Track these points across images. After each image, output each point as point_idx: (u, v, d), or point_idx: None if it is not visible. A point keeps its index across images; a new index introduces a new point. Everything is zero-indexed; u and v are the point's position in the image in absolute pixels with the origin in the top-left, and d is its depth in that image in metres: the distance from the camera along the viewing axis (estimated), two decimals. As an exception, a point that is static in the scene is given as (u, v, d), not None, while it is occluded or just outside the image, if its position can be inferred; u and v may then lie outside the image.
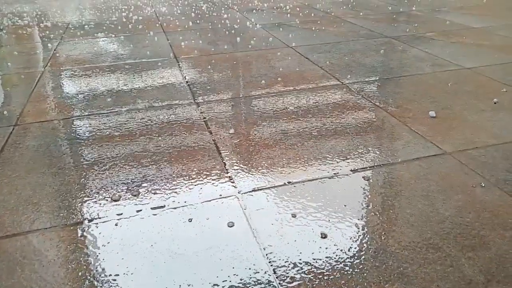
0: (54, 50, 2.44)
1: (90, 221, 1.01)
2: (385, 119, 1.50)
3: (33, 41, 2.69)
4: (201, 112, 1.59)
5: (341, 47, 2.36)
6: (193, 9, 3.48)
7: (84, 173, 1.20)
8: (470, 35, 2.55)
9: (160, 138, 1.39)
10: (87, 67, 2.12)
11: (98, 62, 2.19)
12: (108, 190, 1.12)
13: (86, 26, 2.95)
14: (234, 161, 1.25)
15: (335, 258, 0.88)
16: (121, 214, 1.03)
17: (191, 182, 1.15)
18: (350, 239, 0.93)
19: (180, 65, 2.11)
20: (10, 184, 1.16)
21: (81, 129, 1.47)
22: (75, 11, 3.52)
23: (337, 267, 0.86)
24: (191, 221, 1.00)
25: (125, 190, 1.12)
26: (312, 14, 3.20)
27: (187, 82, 1.89)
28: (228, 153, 1.30)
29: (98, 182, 1.16)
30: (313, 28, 2.78)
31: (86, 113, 1.60)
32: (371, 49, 2.32)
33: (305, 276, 0.84)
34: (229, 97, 1.73)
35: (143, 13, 3.37)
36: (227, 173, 1.19)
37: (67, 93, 1.80)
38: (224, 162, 1.24)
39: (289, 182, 1.14)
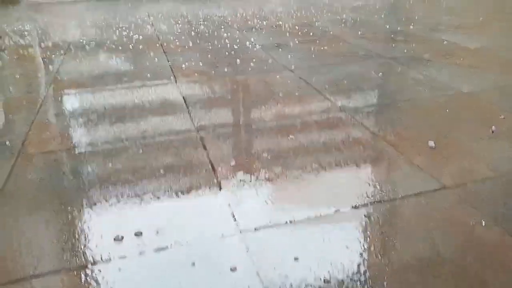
0: (56, 72, 2.45)
1: (93, 264, 1.01)
2: (384, 149, 1.52)
3: (35, 63, 2.71)
4: (202, 142, 1.60)
5: (340, 69, 2.39)
6: (193, 28, 3.52)
7: (86, 210, 1.21)
8: (467, 56, 2.58)
9: (162, 171, 1.41)
10: (89, 91, 2.13)
11: (99, 86, 2.21)
12: (111, 230, 1.13)
13: (87, 47, 2.98)
14: (236, 196, 1.26)
15: (337, 304, 0.89)
16: (125, 257, 1.03)
17: (194, 220, 1.16)
18: (352, 285, 0.94)
19: (181, 90, 2.13)
20: (13, 223, 1.17)
21: (83, 161, 1.48)
22: (76, 30, 3.55)
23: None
24: (194, 264, 1.01)
25: (128, 230, 1.12)
26: (311, 33, 3.23)
27: (188, 108, 1.90)
28: (229, 187, 1.31)
29: (100, 220, 1.17)
30: (312, 49, 2.81)
31: (89, 143, 1.61)
32: (370, 71, 2.35)
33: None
34: (230, 125, 1.74)
35: (144, 32, 3.39)
36: (229, 208, 1.20)
37: (69, 120, 1.82)
38: (225, 197, 1.25)
39: (291, 222, 1.15)
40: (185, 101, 1.99)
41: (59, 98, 2.08)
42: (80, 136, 1.67)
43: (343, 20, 3.61)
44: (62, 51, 2.90)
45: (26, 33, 3.49)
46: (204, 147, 1.55)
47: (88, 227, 1.15)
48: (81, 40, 3.18)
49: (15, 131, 1.73)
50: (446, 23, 3.43)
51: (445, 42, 2.88)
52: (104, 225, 1.16)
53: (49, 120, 1.83)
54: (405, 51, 2.70)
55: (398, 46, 2.82)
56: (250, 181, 1.34)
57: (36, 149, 1.57)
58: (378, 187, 1.30)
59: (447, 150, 1.50)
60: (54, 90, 2.19)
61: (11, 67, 2.61)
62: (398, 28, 3.28)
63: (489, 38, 2.95)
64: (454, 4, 4.22)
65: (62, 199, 1.27)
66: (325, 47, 2.84)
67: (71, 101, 2.03)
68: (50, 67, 2.56)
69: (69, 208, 1.23)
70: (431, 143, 1.53)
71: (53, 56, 2.80)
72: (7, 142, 1.63)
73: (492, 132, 1.62)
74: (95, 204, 1.24)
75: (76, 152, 1.55)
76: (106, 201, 1.25)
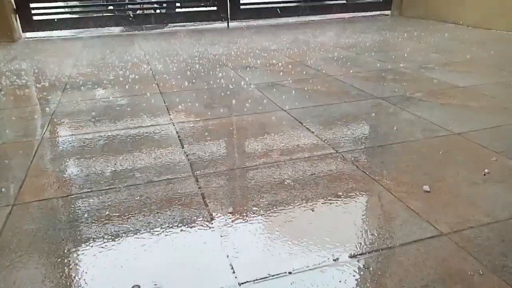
0: (52, 114, 2.47)
1: (90, 323, 0.99)
2: (380, 194, 1.53)
3: (31, 104, 2.73)
4: (199, 187, 1.60)
5: (333, 110, 2.43)
6: (189, 67, 3.58)
7: (84, 262, 1.20)
8: (457, 95, 2.65)
9: (159, 219, 1.40)
10: (85, 135, 2.15)
11: (96, 129, 2.22)
12: (108, 284, 1.11)
13: (83, 87, 3.01)
14: (234, 245, 1.26)
15: None
16: (122, 314, 1.02)
17: (192, 272, 1.15)
18: None
19: (178, 133, 2.15)
20: (8, 277, 1.15)
21: (80, 209, 1.48)
22: (73, 69, 3.59)
23: None
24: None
25: (125, 283, 1.11)
26: (304, 72, 3.31)
27: (185, 152, 1.92)
28: (227, 237, 1.30)
29: (96, 273, 1.16)
30: (306, 88, 2.87)
31: (85, 190, 1.61)
32: (363, 112, 2.40)
33: None
34: (226, 169, 1.75)
35: (140, 71, 3.45)
36: (227, 258, 1.19)
37: (65, 166, 1.82)
38: (224, 246, 1.25)
39: (290, 272, 1.15)
40: (181, 143, 2.01)
41: (56, 141, 2.09)
42: (77, 181, 1.67)
43: (335, 59, 3.71)
44: (59, 92, 2.93)
45: (23, 72, 3.52)
46: (203, 196, 1.56)
47: (85, 281, 1.13)
48: (77, 80, 3.22)
49: (10, 178, 1.72)
50: (435, 61, 3.53)
51: (435, 80, 2.96)
52: (101, 278, 1.14)
53: (45, 165, 1.83)
54: (396, 90, 2.77)
55: (389, 85, 2.89)
56: (248, 230, 1.34)
57: (33, 197, 1.57)
58: (375, 234, 1.30)
59: (442, 195, 1.51)
60: (50, 132, 2.20)
61: (8, 109, 2.63)
62: (389, 67, 3.37)
63: (478, 77, 3.04)
64: (441, 42, 4.36)
65: (58, 251, 1.25)
66: (318, 87, 2.90)
67: (68, 145, 2.04)
68: (47, 108, 2.58)
69: (65, 260, 1.21)
70: (426, 187, 1.56)
71: (49, 97, 2.82)
72: (3, 189, 1.62)
73: (484, 175, 1.65)
74: (93, 255, 1.23)
75: (73, 199, 1.54)
76: (103, 252, 1.24)
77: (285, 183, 1.62)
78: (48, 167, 1.81)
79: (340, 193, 1.54)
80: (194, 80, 3.14)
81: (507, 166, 1.72)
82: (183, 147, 1.97)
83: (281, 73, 3.29)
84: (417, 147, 1.93)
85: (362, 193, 1.55)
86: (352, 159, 1.82)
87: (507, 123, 2.17)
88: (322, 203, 1.48)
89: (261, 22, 6.19)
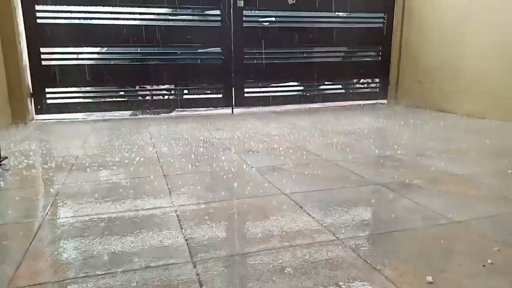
0: (56, 195, 2.51)
1: None
2: (383, 285, 1.50)
3: (36, 185, 2.78)
4: (197, 274, 1.57)
5: (333, 195, 2.46)
6: (193, 150, 3.69)
7: None
8: (456, 182, 2.69)
9: (155, 308, 1.36)
10: (87, 217, 2.16)
11: (97, 211, 2.24)
12: None
13: (88, 169, 3.08)
14: None
15: None
16: None
17: None
18: None
19: (179, 216, 2.16)
20: None
21: (74, 296, 1.44)
22: (80, 150, 3.70)
23: None
24: None
25: None
26: (304, 157, 3.40)
27: (184, 236, 1.91)
28: (225, 329, 1.25)
29: None
30: (306, 173, 2.93)
31: (82, 275, 1.58)
32: (363, 198, 2.42)
33: None
34: (226, 255, 1.73)
35: (145, 154, 3.55)
36: None
37: (64, 248, 1.80)
38: None
39: None
40: (181, 226, 2.00)
41: (57, 223, 2.10)
42: (74, 265, 1.64)
43: (335, 145, 3.82)
44: (64, 172, 2.99)
45: (31, 153, 3.63)
46: (200, 284, 1.52)
47: None
48: (84, 161, 3.30)
49: (7, 260, 1.70)
50: (432, 148, 3.64)
51: (432, 168, 3.03)
52: None
53: (44, 247, 1.82)
54: (395, 176, 2.82)
55: (388, 172, 2.94)
56: (246, 322, 1.29)
57: (27, 281, 1.54)
58: (379, 329, 1.25)
59: (445, 287, 1.48)
60: (52, 214, 2.21)
61: (13, 189, 2.67)
62: (387, 153, 3.47)
63: (475, 165, 3.11)
64: (437, 130, 4.52)
65: None
66: (318, 171, 2.96)
67: (69, 226, 2.04)
68: (51, 189, 2.62)
69: None
70: (429, 278, 1.52)
71: (55, 177, 2.88)
72: (-2, 273, 1.60)
73: (483, 266, 1.62)
74: None
75: (68, 284, 1.51)
76: None
77: (285, 271, 1.59)
78: (46, 250, 1.79)
79: (342, 283, 1.51)
80: (197, 163, 3.22)
81: (510, 257, 1.69)
82: (182, 231, 1.97)
83: (282, 157, 3.38)
84: (417, 235, 1.92)
85: (364, 283, 1.51)
86: (353, 246, 1.80)
87: (507, 212, 2.18)
88: (322, 294, 1.44)
89: (264, 108, 6.49)
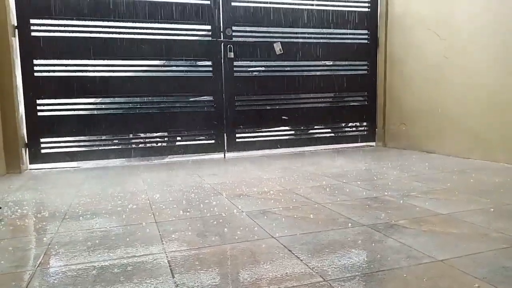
0: (49, 244, 2.54)
1: None
2: (366, 324, 1.55)
3: (29, 234, 2.81)
4: (187, 319, 1.61)
5: (321, 238, 2.53)
6: (185, 196, 3.76)
7: None
8: (439, 222, 2.78)
9: None
10: (79, 265, 2.19)
11: (90, 259, 2.28)
12: None
13: (81, 217, 3.13)
14: None
15: None
16: None
17: None
18: None
19: (170, 262, 2.21)
20: None
21: None
22: (73, 199, 3.75)
23: None
24: None
25: None
26: (294, 200, 3.48)
27: (175, 282, 1.95)
28: None
29: None
30: (295, 216, 3.00)
31: (73, 323, 1.61)
32: (350, 239, 2.49)
33: None
34: (216, 299, 1.78)
35: (138, 201, 3.61)
36: None
37: (56, 297, 1.84)
38: None
39: None
40: (172, 273, 2.05)
41: (49, 272, 2.13)
42: (65, 314, 1.67)
43: (324, 187, 3.92)
44: (57, 222, 3.04)
45: (25, 202, 3.67)
46: (189, 326, 1.56)
47: None
48: (77, 210, 3.35)
49: (0, 310, 1.73)
50: (417, 189, 3.74)
51: (417, 208, 3.12)
52: None
53: (36, 297, 1.85)
54: (381, 217, 2.90)
55: (374, 213, 3.03)
56: None
57: (19, 331, 1.56)
58: None
59: (427, 324, 1.53)
60: (45, 263, 2.25)
61: (6, 239, 2.70)
62: (374, 195, 3.56)
63: (458, 204, 3.21)
64: (423, 171, 4.65)
65: None
66: (307, 214, 3.04)
67: (61, 275, 2.07)
68: (44, 238, 2.66)
69: None
70: (411, 316, 1.58)
71: (48, 227, 2.92)
72: (-10, 323, 1.62)
73: (469, 302, 1.68)
74: None
75: (59, 333, 1.54)
76: None
77: (273, 313, 1.64)
78: (38, 299, 1.82)
79: (327, 324, 1.55)
80: (189, 209, 3.29)
81: (489, 294, 1.76)
82: (173, 277, 2.01)
83: (272, 201, 3.46)
84: (402, 274, 1.98)
85: (348, 323, 1.56)
86: (340, 287, 1.85)
87: (487, 250, 2.25)
88: (308, 334, 1.48)
89: (255, 152, 6.62)
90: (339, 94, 7.07)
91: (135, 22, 5.82)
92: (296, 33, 6.59)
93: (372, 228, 2.68)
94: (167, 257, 2.28)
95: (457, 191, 3.63)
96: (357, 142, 7.18)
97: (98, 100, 6.11)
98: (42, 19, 5.48)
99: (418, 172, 4.59)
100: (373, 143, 7.21)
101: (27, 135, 5.52)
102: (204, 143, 6.40)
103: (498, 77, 4.95)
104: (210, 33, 6.16)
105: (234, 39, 6.24)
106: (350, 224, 2.78)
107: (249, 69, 6.62)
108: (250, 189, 3.98)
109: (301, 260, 2.18)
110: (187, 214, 3.15)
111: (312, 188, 3.92)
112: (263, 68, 6.68)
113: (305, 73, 6.75)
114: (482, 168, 4.72)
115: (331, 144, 7.05)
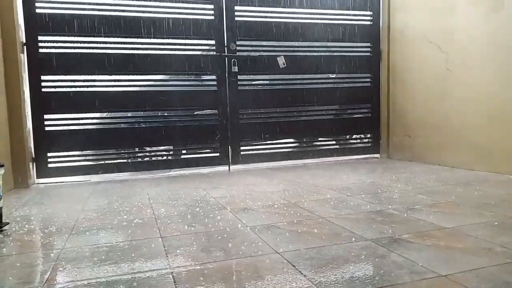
0: (56, 260, 2.58)
1: None
2: None
3: (37, 250, 2.85)
4: (192, 336, 1.63)
5: (324, 253, 2.54)
6: (189, 210, 3.79)
7: None
8: (443, 236, 2.78)
9: None
10: (85, 281, 2.22)
11: (96, 274, 2.31)
12: None
13: (88, 232, 3.17)
14: None
15: None
16: None
17: None
18: None
19: (175, 277, 2.23)
20: None
21: None
22: (80, 214, 3.80)
23: None
24: None
25: None
26: (298, 214, 3.50)
27: (180, 298, 1.98)
28: None
29: None
30: (299, 230, 3.02)
31: None
32: (353, 254, 2.50)
33: None
34: (220, 316, 1.79)
35: (143, 215, 3.65)
36: None
37: (63, 314, 1.87)
38: None
39: None
40: (177, 290, 2.08)
41: (56, 288, 2.16)
42: (72, 331, 1.70)
43: (328, 200, 3.93)
44: (64, 237, 3.07)
45: (32, 217, 3.72)
46: None
47: None
48: (83, 225, 3.39)
49: (8, 327, 1.76)
50: (422, 202, 3.75)
51: (421, 222, 3.12)
52: None
53: (43, 313, 1.88)
54: (385, 232, 2.91)
55: (378, 227, 3.04)
56: None
57: None
58: None
59: None
60: (51, 279, 2.28)
61: (14, 255, 2.74)
62: (378, 208, 3.57)
63: (462, 218, 3.21)
64: (427, 183, 4.65)
65: None
66: (311, 229, 3.05)
67: (67, 292, 2.11)
68: (51, 254, 2.70)
69: None
70: (414, 333, 1.59)
71: (55, 242, 2.96)
72: None
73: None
74: None
75: None
76: None
77: (276, 330, 1.65)
78: (45, 316, 1.85)
79: None
80: (193, 224, 3.31)
81: (492, 310, 1.76)
82: (178, 293, 2.03)
83: (276, 215, 3.48)
84: (405, 290, 1.99)
85: None
86: (342, 303, 1.87)
87: (491, 264, 2.26)
88: None
89: (260, 165, 6.65)
90: (343, 106, 7.11)
91: (141, 38, 5.93)
92: (299, 46, 6.68)
93: (375, 243, 2.69)
94: (172, 272, 2.31)
95: (462, 204, 3.63)
96: (361, 154, 7.19)
97: (104, 114, 6.20)
98: (50, 35, 5.61)
99: (423, 184, 4.59)
100: (377, 155, 7.21)
101: (34, 150, 5.60)
102: (209, 156, 6.44)
103: (500, 90, 4.97)
104: (214, 47, 6.26)
105: (238, 53, 6.32)
106: (354, 239, 2.79)
107: (253, 83, 6.69)
108: (254, 202, 4.00)
109: (305, 276, 2.20)
110: (192, 229, 3.18)
111: (316, 202, 3.94)
112: (267, 82, 6.75)
113: (309, 86, 6.81)
114: (486, 180, 4.72)
115: (336, 156, 7.07)
